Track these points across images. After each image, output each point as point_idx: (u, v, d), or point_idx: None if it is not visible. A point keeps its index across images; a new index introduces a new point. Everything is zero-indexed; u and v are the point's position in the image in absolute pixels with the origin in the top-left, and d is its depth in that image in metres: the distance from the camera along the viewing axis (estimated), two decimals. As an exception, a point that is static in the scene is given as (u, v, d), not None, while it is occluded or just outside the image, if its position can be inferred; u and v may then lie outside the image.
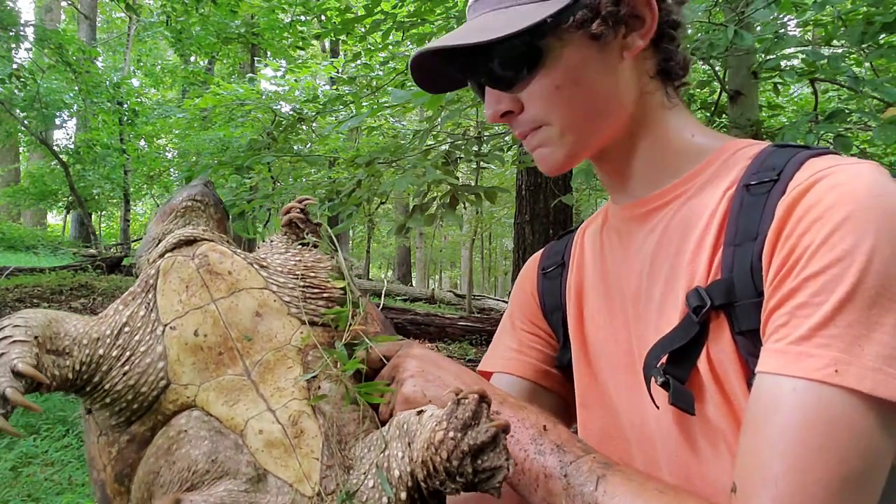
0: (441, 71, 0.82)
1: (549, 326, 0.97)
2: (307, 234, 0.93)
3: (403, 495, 0.66)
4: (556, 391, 0.95)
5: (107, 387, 0.74)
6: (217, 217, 0.91)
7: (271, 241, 0.94)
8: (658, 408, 0.73)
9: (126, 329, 0.76)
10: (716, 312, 0.68)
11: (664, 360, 0.71)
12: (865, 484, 0.56)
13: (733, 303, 0.67)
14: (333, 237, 0.95)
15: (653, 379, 0.71)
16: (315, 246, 0.93)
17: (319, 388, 0.78)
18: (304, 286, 0.84)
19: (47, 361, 0.71)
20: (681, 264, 0.74)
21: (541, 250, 1.04)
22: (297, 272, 0.85)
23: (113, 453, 0.75)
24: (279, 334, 0.79)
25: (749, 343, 0.66)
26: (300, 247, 0.91)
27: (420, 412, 0.70)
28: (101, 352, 0.75)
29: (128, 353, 0.75)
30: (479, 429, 0.62)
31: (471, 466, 0.61)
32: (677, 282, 0.74)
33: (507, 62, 0.74)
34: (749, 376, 0.66)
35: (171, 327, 0.76)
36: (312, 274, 0.86)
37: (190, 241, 0.84)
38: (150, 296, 0.79)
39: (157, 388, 0.74)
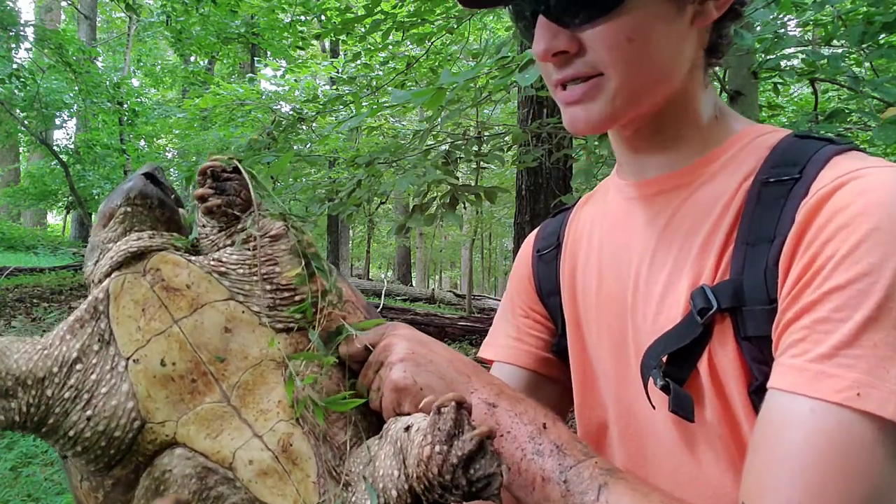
0: None
1: (546, 311, 0.94)
2: (239, 212, 0.77)
3: None
4: (556, 378, 0.92)
5: (71, 433, 0.67)
6: (165, 217, 0.77)
7: (207, 236, 0.79)
8: (654, 408, 0.71)
9: (78, 367, 0.68)
10: (721, 315, 0.65)
11: (664, 360, 0.68)
12: None
13: (741, 306, 0.64)
14: (261, 183, 0.80)
15: (651, 380, 0.68)
16: (256, 207, 0.77)
17: (305, 391, 0.72)
18: (271, 290, 0.75)
19: None
20: (687, 258, 0.70)
21: (535, 230, 0.99)
22: (263, 271, 0.75)
23: (99, 498, 0.69)
24: (254, 349, 0.72)
25: (755, 349, 0.63)
26: (244, 234, 0.78)
27: (408, 427, 0.66)
28: (49, 393, 0.67)
29: (86, 396, 0.67)
30: (463, 438, 0.60)
31: (464, 478, 0.59)
32: (682, 276, 0.70)
33: None
34: (751, 382, 0.64)
35: (133, 360, 0.69)
36: (277, 269, 0.76)
37: (138, 255, 0.73)
38: (102, 324, 0.70)
39: (132, 430, 0.67)
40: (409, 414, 0.71)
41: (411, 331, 0.80)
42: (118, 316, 0.70)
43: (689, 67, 0.72)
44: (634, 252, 0.77)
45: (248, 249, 0.76)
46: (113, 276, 0.72)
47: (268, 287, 0.75)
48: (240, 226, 0.77)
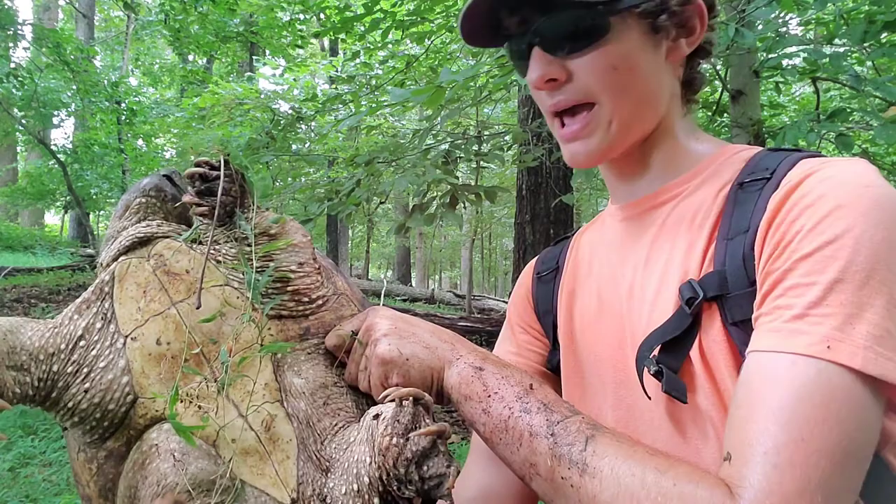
0: (490, 19, 0.79)
1: (541, 328, 0.99)
2: (230, 209, 0.79)
3: (376, 500, 0.65)
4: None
5: (70, 405, 0.70)
6: (177, 212, 0.83)
7: (205, 233, 0.80)
8: (650, 398, 0.73)
9: (81, 343, 0.72)
10: (708, 304, 0.69)
11: (657, 350, 0.71)
12: (862, 457, 0.58)
13: (725, 294, 0.68)
14: (247, 177, 0.81)
15: (645, 369, 0.71)
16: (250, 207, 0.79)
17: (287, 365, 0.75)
18: (268, 280, 0.78)
19: (8, 378, 0.68)
20: (675, 259, 0.75)
21: (539, 255, 1.06)
22: (257, 265, 0.78)
23: (93, 470, 0.72)
24: (244, 333, 0.75)
25: (742, 333, 0.67)
26: (239, 231, 0.80)
27: (376, 416, 0.69)
28: (55, 368, 0.71)
29: (85, 370, 0.71)
30: (418, 434, 0.62)
31: (417, 474, 0.61)
32: (671, 276, 0.75)
33: (570, 26, 0.74)
34: (740, 365, 0.66)
35: (131, 338, 0.72)
36: (271, 264, 0.79)
37: (144, 241, 0.78)
38: (106, 304, 0.74)
39: (125, 404, 0.70)
40: (397, 387, 0.73)
41: (392, 311, 0.84)
42: (121, 297, 0.74)
43: (670, 97, 0.81)
44: (629, 265, 0.82)
45: (247, 247, 0.79)
46: (120, 259, 0.77)
47: (269, 277, 0.78)
48: (234, 227, 0.80)
